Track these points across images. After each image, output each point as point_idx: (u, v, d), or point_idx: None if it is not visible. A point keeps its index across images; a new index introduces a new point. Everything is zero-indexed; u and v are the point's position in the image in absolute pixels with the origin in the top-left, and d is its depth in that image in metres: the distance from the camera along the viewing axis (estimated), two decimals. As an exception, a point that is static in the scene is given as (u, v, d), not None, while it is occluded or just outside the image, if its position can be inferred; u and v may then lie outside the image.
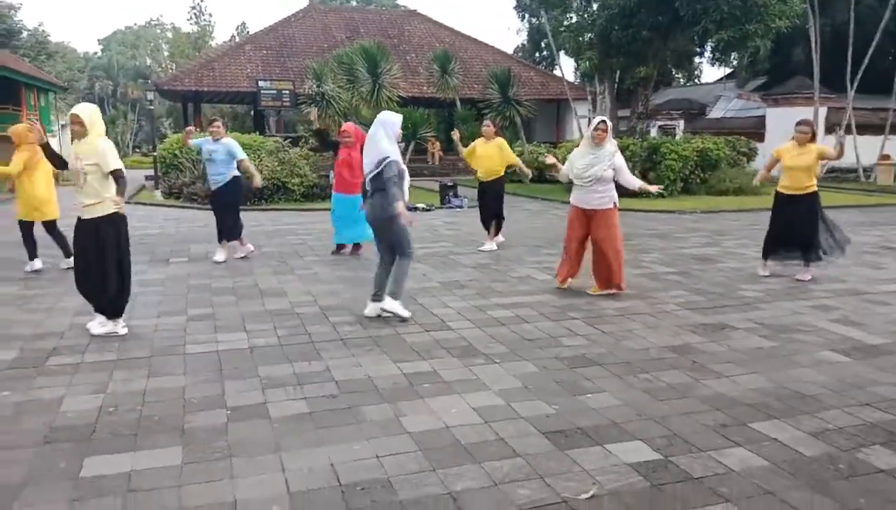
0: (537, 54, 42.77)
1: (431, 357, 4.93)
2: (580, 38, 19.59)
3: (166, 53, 73.18)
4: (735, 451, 3.49)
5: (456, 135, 10.33)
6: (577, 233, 6.82)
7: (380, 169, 5.60)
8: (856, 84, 21.35)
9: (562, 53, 24.99)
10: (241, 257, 8.66)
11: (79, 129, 5.11)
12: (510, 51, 39.57)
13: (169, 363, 4.79)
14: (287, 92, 23.99)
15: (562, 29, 20.66)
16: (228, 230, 8.58)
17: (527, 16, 40.23)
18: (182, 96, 28.62)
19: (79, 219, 5.32)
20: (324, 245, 9.86)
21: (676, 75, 39.36)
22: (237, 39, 46.41)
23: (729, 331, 5.63)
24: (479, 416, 3.90)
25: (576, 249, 6.90)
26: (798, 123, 7.41)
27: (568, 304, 6.45)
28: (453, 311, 6.20)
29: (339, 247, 9.17)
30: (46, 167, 7.66)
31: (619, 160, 6.64)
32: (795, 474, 3.26)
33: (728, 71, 35.68)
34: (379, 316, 5.92)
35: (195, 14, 55.31)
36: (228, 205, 8.55)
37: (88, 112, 5.15)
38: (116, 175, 5.19)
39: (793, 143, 7.42)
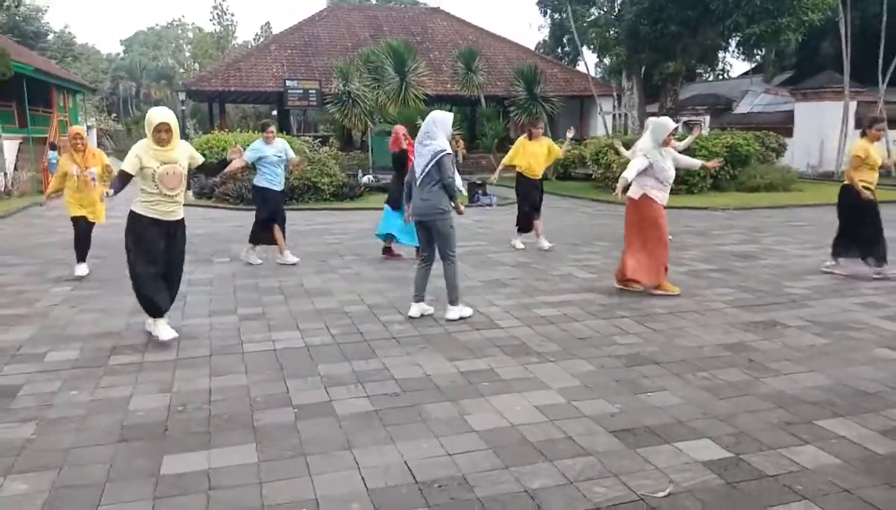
0: (559, 50, 42.59)
1: (486, 355, 4.97)
2: (607, 34, 19.52)
3: (188, 54, 73.88)
4: (805, 449, 3.49)
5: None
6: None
7: (435, 161, 5.66)
8: (888, 77, 21.05)
9: (586, 49, 24.89)
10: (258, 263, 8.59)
11: (167, 137, 5.10)
12: (532, 47, 39.43)
13: (229, 362, 4.87)
14: (314, 91, 24.13)
15: (586, 24, 20.64)
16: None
17: (549, 11, 40.07)
18: (208, 96, 28.88)
19: (156, 221, 5.25)
20: (361, 244, 9.93)
21: (699, 71, 39.01)
22: (262, 39, 46.72)
23: (781, 328, 5.61)
24: (543, 415, 3.93)
25: None
26: (878, 120, 7.39)
27: (615, 303, 6.45)
28: (500, 310, 6.23)
29: (388, 249, 9.06)
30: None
31: (674, 152, 6.84)
32: (870, 472, 3.26)
33: (753, 65, 35.37)
34: (422, 315, 5.97)
35: (217, 14, 55.69)
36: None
37: (173, 117, 5.16)
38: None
39: (869, 140, 7.37)
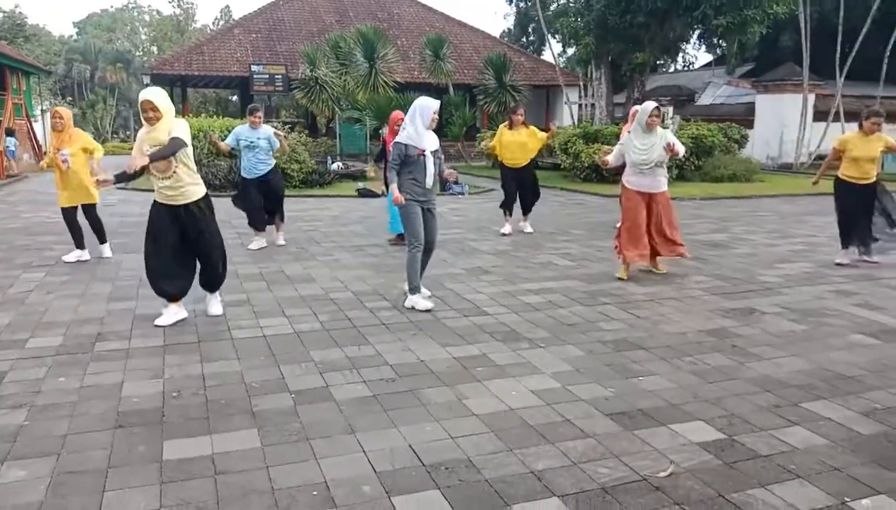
0: (524, 39, 42.75)
1: (477, 341, 5.02)
2: (575, 23, 19.66)
3: (144, 37, 72.12)
4: (795, 430, 3.61)
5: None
6: (642, 214, 6.95)
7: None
8: (845, 71, 21.60)
9: (552, 38, 25.03)
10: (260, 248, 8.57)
11: (153, 115, 4.97)
12: (497, 35, 39.49)
13: (219, 348, 4.84)
14: (280, 76, 23.80)
15: (552, 12, 20.72)
16: (282, 211, 8.81)
17: (514, 0, 40.21)
18: (170, 81, 28.28)
19: (163, 205, 5.20)
20: (336, 232, 9.90)
21: (659, 62, 39.52)
22: (222, 23, 45.84)
23: (759, 315, 5.77)
24: (540, 399, 3.99)
25: (645, 229, 7.00)
26: (876, 113, 7.36)
27: (597, 290, 6.56)
28: (485, 297, 6.28)
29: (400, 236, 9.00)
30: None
31: (671, 136, 6.85)
32: (857, 451, 3.39)
33: (714, 57, 35.96)
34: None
35: (176, -4, 54.53)
36: (281, 188, 8.93)
37: (160, 95, 5.06)
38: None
39: (859, 133, 7.49)
